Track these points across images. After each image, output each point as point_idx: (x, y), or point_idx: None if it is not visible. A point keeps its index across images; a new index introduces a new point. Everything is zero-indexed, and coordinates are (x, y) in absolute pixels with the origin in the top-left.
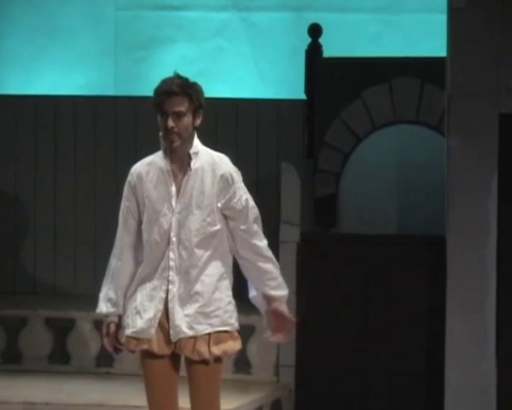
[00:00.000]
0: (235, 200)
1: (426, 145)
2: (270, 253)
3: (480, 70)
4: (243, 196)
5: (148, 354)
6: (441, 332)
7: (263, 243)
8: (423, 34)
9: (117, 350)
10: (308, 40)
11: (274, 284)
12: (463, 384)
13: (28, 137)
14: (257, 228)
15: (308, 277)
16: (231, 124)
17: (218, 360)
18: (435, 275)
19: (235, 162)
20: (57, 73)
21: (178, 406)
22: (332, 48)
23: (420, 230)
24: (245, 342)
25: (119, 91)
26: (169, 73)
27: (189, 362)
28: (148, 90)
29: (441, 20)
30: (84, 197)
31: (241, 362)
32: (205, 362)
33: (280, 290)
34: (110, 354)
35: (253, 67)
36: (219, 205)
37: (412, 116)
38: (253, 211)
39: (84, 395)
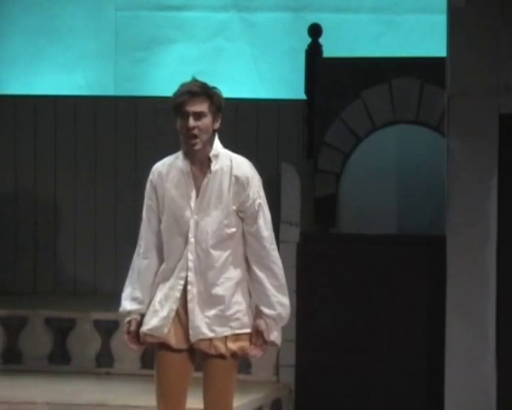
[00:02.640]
0: (248, 203)
1: (426, 145)
2: (276, 267)
3: (480, 70)
4: (257, 200)
5: (164, 346)
6: (441, 332)
7: (270, 252)
8: (423, 34)
9: (138, 346)
10: (308, 40)
11: (265, 300)
12: (463, 384)
13: (28, 137)
14: (267, 235)
15: (308, 277)
16: (231, 124)
17: (234, 355)
18: (435, 275)
19: None
20: (57, 74)
21: (186, 402)
22: (332, 48)
23: (420, 230)
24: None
25: (119, 91)
26: (169, 74)
27: (206, 356)
28: (148, 90)
29: (441, 20)
30: (84, 197)
31: (241, 362)
32: (221, 356)
33: (267, 308)
34: (110, 354)
35: (253, 68)
36: (234, 207)
37: (412, 116)
38: (265, 217)
39: (84, 395)
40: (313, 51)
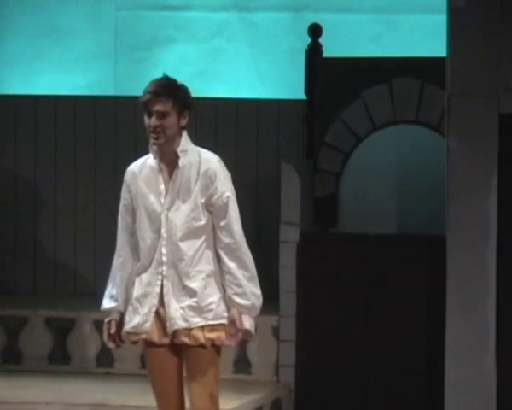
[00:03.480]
0: (216, 196)
1: (426, 145)
2: (246, 258)
3: (480, 70)
4: (225, 193)
5: (149, 344)
6: (441, 332)
7: (240, 244)
8: (423, 34)
9: (118, 346)
10: (308, 40)
11: (238, 290)
12: (463, 384)
13: (28, 137)
14: (237, 228)
15: (308, 277)
16: (231, 124)
17: (213, 345)
18: (435, 275)
19: (236, 162)
20: (57, 74)
21: (184, 394)
22: (332, 48)
23: (420, 230)
24: (245, 342)
25: (119, 91)
26: (169, 74)
27: (186, 348)
28: None
29: (441, 20)
30: (84, 197)
31: (241, 362)
32: (201, 346)
33: (241, 298)
34: (110, 354)
35: (253, 68)
36: (202, 201)
37: (412, 116)
38: (234, 210)
39: (84, 395)
40: (313, 51)
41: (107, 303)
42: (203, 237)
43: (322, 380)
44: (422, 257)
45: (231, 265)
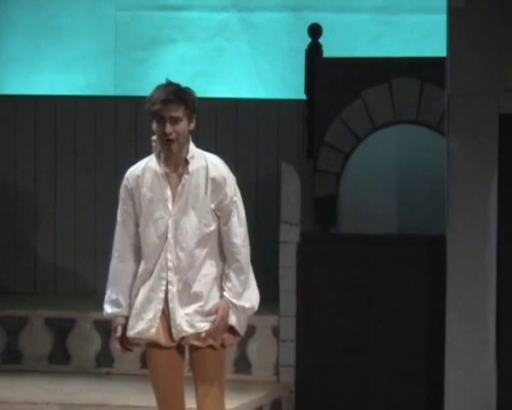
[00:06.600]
0: (227, 202)
1: (426, 145)
2: (244, 262)
3: (480, 70)
4: (233, 198)
5: (154, 345)
6: (441, 332)
7: (240, 248)
8: (423, 34)
9: (127, 350)
10: (308, 40)
11: (233, 289)
12: (463, 384)
13: (28, 137)
14: (239, 232)
15: (308, 277)
16: (231, 124)
17: (222, 345)
18: (435, 275)
19: (235, 163)
20: (57, 74)
21: (184, 395)
22: (332, 48)
23: (420, 230)
24: (245, 342)
25: (119, 91)
26: (169, 74)
27: (194, 349)
28: (148, 90)
29: (441, 20)
30: (84, 197)
31: (241, 362)
32: (211, 347)
33: (232, 295)
34: (110, 354)
35: (253, 68)
36: (212, 206)
37: (412, 116)
38: (239, 214)
39: (84, 395)
40: (313, 51)
41: (108, 308)
42: (211, 242)
43: (322, 380)
44: (422, 257)
45: (229, 267)
